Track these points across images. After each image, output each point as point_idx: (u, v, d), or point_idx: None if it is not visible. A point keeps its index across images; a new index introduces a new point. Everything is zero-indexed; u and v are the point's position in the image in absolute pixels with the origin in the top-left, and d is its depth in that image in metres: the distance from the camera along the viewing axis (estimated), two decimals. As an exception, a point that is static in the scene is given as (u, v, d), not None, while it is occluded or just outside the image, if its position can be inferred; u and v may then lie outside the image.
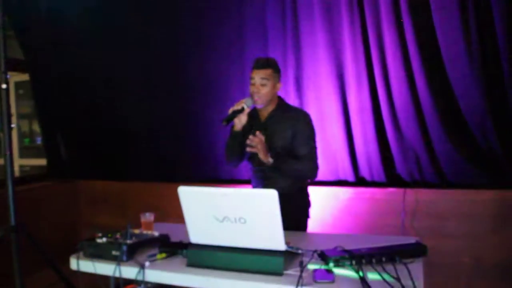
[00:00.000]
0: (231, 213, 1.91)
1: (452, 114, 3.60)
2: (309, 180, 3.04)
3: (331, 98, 3.92)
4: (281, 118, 2.83)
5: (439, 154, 3.70)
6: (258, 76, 2.75)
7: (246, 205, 1.89)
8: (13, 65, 5.07)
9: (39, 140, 6.14)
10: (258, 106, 2.80)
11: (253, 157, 2.85)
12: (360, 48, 3.76)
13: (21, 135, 6.59)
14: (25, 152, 6.50)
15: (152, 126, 4.78)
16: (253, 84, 2.77)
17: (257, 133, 2.65)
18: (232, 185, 4.24)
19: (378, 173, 3.94)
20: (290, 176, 2.80)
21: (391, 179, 3.93)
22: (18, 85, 6.10)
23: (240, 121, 2.74)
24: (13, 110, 5.91)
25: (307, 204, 2.98)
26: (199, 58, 4.39)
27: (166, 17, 4.47)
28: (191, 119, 4.58)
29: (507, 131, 3.47)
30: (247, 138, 2.66)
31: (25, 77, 5.36)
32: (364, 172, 4.00)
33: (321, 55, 3.90)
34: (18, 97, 6.30)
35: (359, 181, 4.04)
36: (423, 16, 3.49)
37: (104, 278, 2.19)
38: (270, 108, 2.86)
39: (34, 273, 3.63)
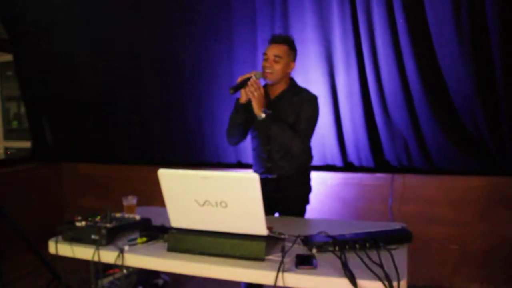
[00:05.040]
0: (212, 197, 1.87)
1: (442, 100, 3.57)
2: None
3: (320, 81, 3.86)
4: (290, 99, 2.76)
5: (428, 139, 3.69)
6: (272, 52, 2.68)
7: (227, 189, 1.84)
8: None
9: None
10: (268, 81, 2.72)
11: (256, 136, 2.83)
12: (350, 30, 3.69)
13: (9, 117, 6.49)
14: (13, 134, 6.41)
15: (137, 109, 4.71)
16: (266, 59, 2.69)
17: (257, 80, 2.59)
18: (218, 169, 4.20)
19: (367, 159, 3.92)
20: (277, 141, 2.71)
21: (380, 164, 3.91)
22: (5, 65, 5.97)
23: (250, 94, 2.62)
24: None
25: (308, 189, 2.94)
26: (186, 39, 4.31)
27: (153, 1, 4.38)
28: (178, 101, 4.51)
29: (497, 117, 3.45)
30: (251, 113, 2.64)
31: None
32: (353, 157, 3.98)
33: (310, 36, 3.83)
34: (5, 78, 6.18)
35: (347, 166, 4.02)
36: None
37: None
38: (281, 87, 2.79)
39: (14, 258, 3.58)
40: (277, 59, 2.67)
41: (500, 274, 3.53)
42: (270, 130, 2.67)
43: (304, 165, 2.90)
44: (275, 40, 2.72)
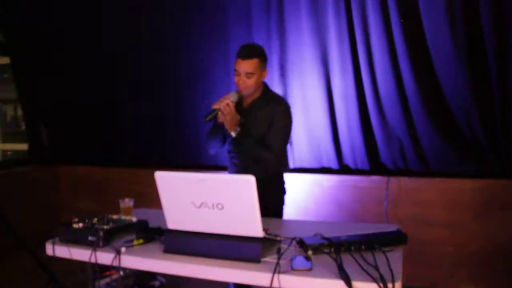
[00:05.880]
0: (209, 199, 1.87)
1: (437, 103, 3.59)
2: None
3: (316, 85, 3.88)
4: (263, 107, 2.74)
5: (423, 142, 3.71)
6: (243, 69, 2.61)
7: (223, 191, 1.85)
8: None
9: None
10: (243, 95, 2.70)
11: (232, 141, 2.82)
12: (345, 34, 3.72)
13: (6, 120, 6.49)
14: (10, 136, 6.41)
15: (135, 112, 4.72)
16: (238, 75, 2.64)
17: (230, 103, 2.56)
18: (214, 171, 4.21)
19: (362, 161, 3.94)
20: (250, 157, 2.72)
21: (375, 167, 3.92)
22: (2, 68, 5.97)
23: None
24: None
25: (282, 191, 2.92)
26: (182, 44, 4.33)
27: (151, 5, 4.40)
28: (174, 104, 4.53)
29: (491, 120, 3.48)
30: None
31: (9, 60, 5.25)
32: (348, 159, 3.99)
33: (305, 40, 3.85)
34: (2, 80, 6.18)
35: (343, 169, 4.03)
36: (409, 2, 3.45)
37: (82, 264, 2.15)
38: (255, 95, 2.76)
39: (10, 259, 3.57)
40: (249, 75, 2.62)
41: (496, 276, 3.54)
42: (242, 145, 2.71)
43: (277, 171, 2.89)
44: (244, 55, 2.63)
